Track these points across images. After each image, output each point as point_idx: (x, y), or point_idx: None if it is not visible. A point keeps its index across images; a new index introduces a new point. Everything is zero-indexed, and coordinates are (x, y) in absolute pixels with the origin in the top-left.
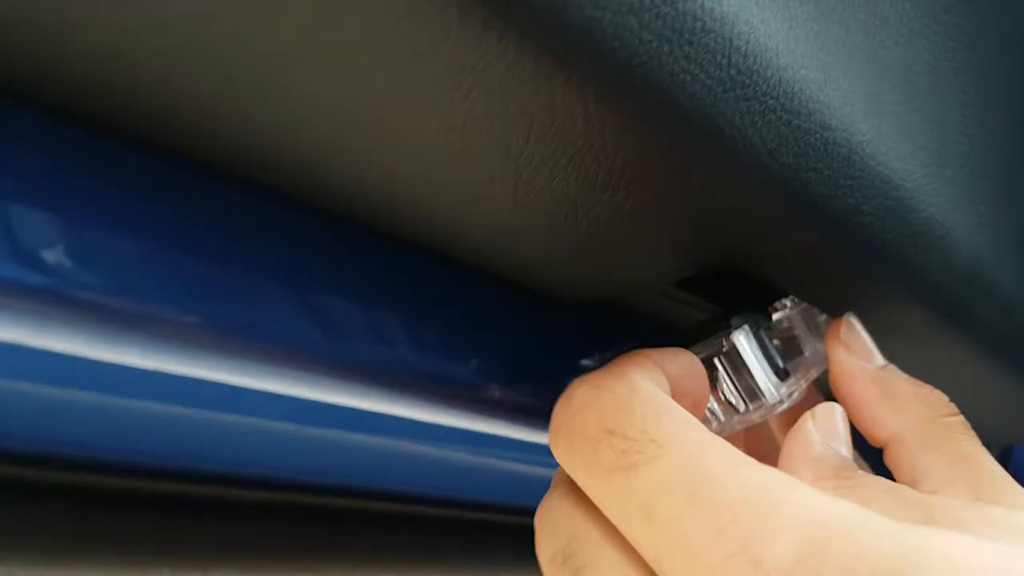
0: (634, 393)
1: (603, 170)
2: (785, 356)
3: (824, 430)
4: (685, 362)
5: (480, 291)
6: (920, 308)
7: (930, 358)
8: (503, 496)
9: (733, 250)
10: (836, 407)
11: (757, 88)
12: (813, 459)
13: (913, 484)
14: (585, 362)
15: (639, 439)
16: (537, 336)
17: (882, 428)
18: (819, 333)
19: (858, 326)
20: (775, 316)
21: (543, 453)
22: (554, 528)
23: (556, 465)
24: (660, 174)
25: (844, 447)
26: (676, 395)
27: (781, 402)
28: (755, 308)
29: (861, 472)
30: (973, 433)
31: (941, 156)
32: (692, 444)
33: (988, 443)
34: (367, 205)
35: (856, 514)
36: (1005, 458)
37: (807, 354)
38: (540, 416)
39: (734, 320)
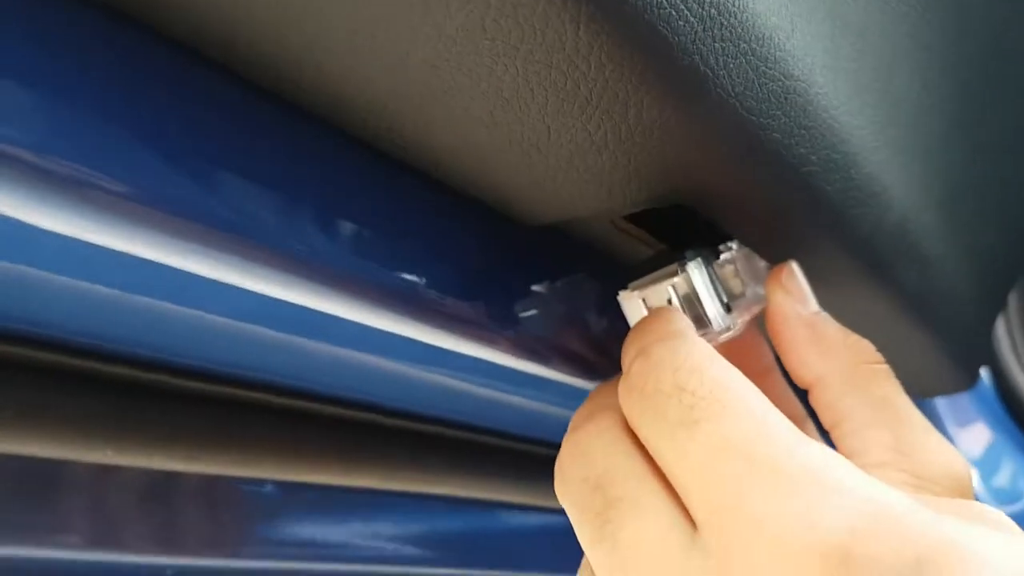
0: (704, 356)
1: (582, 96)
2: (728, 295)
3: None
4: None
5: (440, 205)
6: (849, 261)
7: (853, 310)
8: (434, 408)
9: (688, 187)
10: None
11: (733, 30)
12: None
13: (835, 425)
14: (535, 287)
15: (707, 398)
16: (490, 255)
17: (809, 370)
18: (759, 278)
19: (798, 273)
20: (722, 256)
21: (477, 367)
22: (590, 456)
23: (469, 377)
24: (634, 106)
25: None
26: None
27: (728, 329)
28: (705, 245)
29: None
30: (896, 381)
31: (887, 115)
32: (757, 410)
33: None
34: (347, 112)
35: (904, 501)
36: None
37: (747, 295)
38: (485, 330)
39: (688, 253)
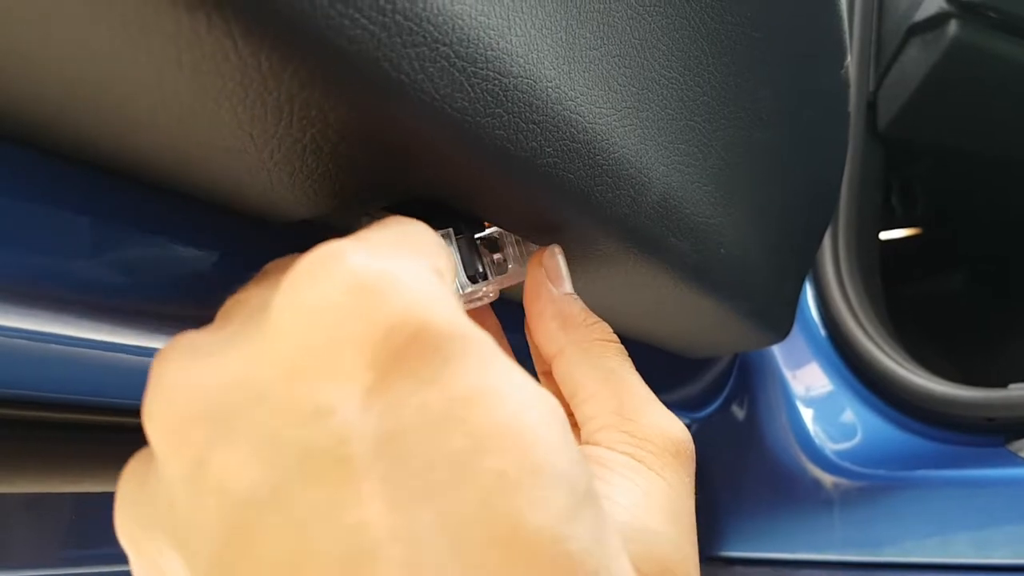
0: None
1: (271, 104)
2: (494, 270)
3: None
4: None
5: (190, 214)
6: (612, 239)
7: (634, 283)
8: None
9: (426, 184)
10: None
11: (427, 35)
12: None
13: (572, 395)
14: None
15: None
16: (237, 254)
17: (551, 342)
18: (528, 249)
19: (559, 256)
20: (487, 231)
21: None
22: None
23: None
24: (332, 111)
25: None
26: None
27: (474, 295)
28: (467, 224)
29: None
30: (627, 358)
31: (639, 99)
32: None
33: (718, 354)
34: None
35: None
36: (731, 365)
37: (510, 270)
38: None
39: (441, 231)
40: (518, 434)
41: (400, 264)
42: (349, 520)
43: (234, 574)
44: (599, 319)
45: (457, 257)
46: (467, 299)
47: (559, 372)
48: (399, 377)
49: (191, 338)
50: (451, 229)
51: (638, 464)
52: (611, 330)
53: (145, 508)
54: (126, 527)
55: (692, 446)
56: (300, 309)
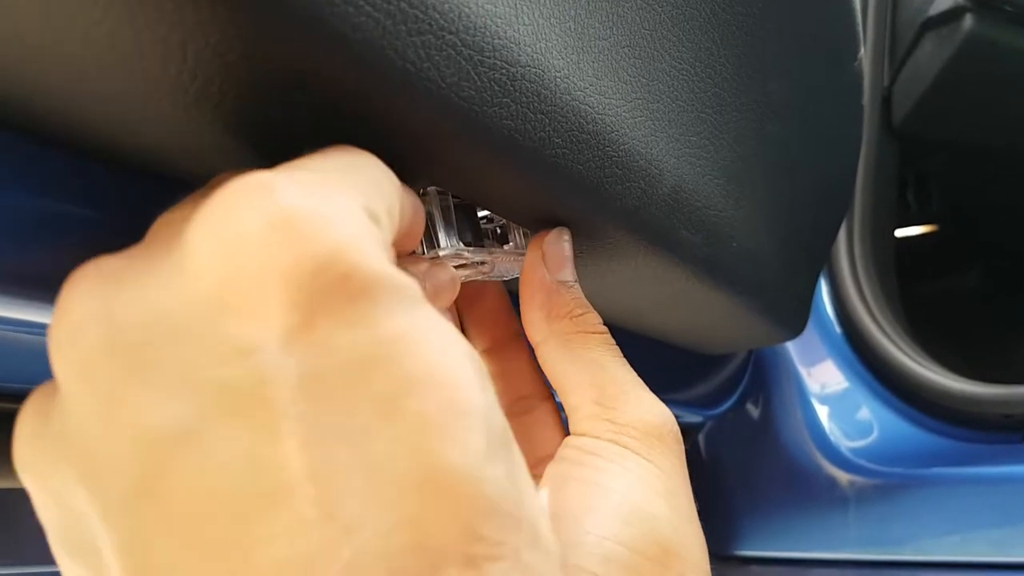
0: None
1: (277, 91)
2: (496, 239)
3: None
4: None
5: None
6: (622, 233)
7: (646, 277)
8: None
9: (431, 174)
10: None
11: (433, 23)
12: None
13: (558, 384)
14: None
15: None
16: None
17: (535, 332)
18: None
19: (564, 241)
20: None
21: None
22: None
23: None
24: (337, 100)
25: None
26: None
27: (459, 256)
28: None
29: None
30: (611, 346)
31: (650, 90)
32: None
33: (732, 350)
34: None
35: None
36: (745, 362)
37: (510, 245)
38: None
39: (430, 188)
40: (440, 377)
41: (331, 202)
42: (265, 459)
43: (147, 510)
44: (589, 309)
45: (450, 215)
46: (455, 262)
47: (543, 362)
48: (324, 318)
49: (108, 263)
50: (435, 188)
51: (624, 450)
52: (599, 320)
53: (50, 442)
54: (29, 461)
55: (676, 428)
56: (221, 241)
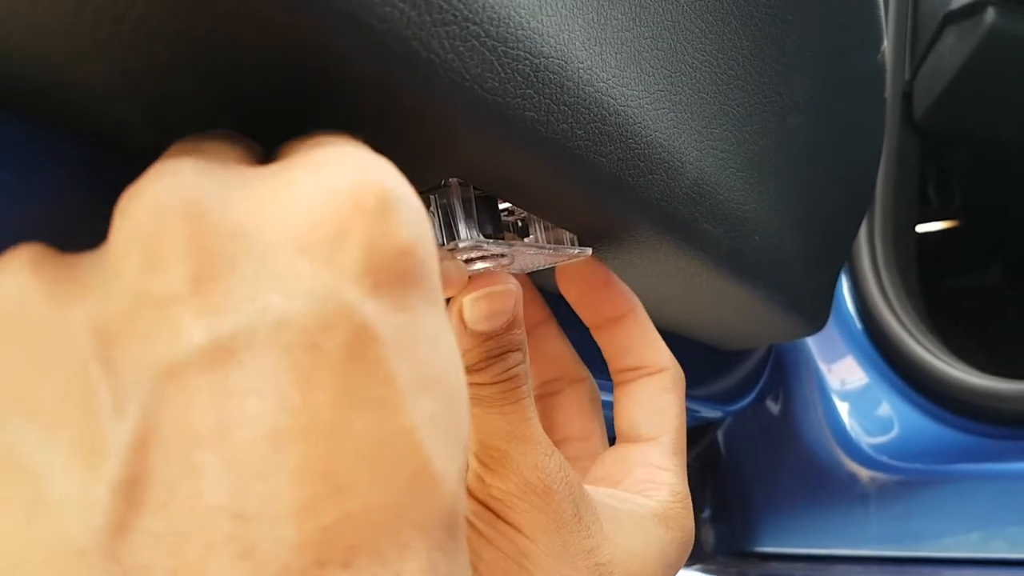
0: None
1: (303, 82)
2: (517, 232)
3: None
4: None
5: None
6: (644, 225)
7: (667, 271)
8: None
9: (453, 166)
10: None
11: (457, 13)
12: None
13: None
14: None
15: None
16: None
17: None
18: (557, 236)
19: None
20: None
21: None
22: None
23: None
24: (362, 91)
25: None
26: None
27: (477, 248)
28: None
29: None
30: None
31: (672, 82)
32: None
33: (753, 345)
34: None
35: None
36: (765, 358)
37: (530, 238)
38: None
39: (451, 179)
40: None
41: (412, 193)
42: (291, 400)
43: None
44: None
45: (471, 206)
46: (475, 254)
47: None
48: (388, 292)
49: (215, 170)
50: (456, 179)
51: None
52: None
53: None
54: None
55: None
56: (329, 192)
